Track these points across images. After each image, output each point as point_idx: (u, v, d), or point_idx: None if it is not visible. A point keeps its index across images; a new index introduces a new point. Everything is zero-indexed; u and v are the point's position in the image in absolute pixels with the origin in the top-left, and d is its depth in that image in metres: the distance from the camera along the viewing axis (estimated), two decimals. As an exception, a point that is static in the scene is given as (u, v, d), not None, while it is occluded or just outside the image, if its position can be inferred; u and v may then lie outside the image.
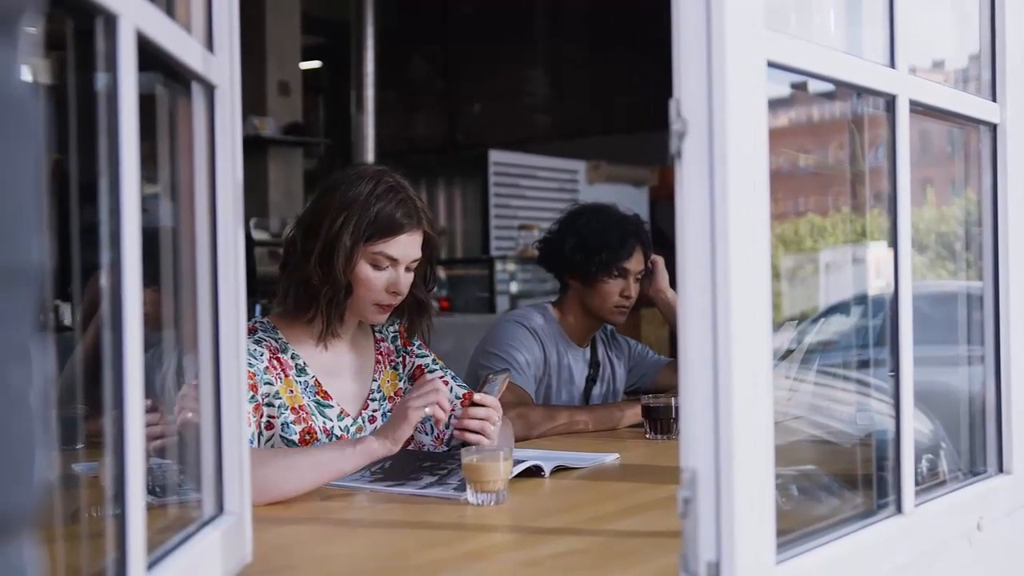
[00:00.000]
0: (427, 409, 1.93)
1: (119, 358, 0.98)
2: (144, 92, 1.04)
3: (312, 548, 1.61)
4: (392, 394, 2.32)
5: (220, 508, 1.34)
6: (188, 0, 1.31)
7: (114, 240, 0.99)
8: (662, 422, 2.60)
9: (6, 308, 0.51)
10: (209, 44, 1.33)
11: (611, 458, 2.31)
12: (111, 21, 0.98)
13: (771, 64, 1.23)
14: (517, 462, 2.00)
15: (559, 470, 2.13)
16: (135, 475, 0.99)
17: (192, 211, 1.33)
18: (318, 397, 2.18)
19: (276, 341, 2.18)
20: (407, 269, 2.19)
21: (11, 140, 0.50)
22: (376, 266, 2.15)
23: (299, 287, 2.16)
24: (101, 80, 1.00)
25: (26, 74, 0.52)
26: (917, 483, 1.51)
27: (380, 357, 2.33)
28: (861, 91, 1.52)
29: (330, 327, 2.19)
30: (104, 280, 0.99)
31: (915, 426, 1.53)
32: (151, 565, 1.06)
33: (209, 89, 1.32)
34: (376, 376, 2.31)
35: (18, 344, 0.52)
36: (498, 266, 7.23)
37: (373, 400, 2.29)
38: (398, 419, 1.96)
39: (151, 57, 1.10)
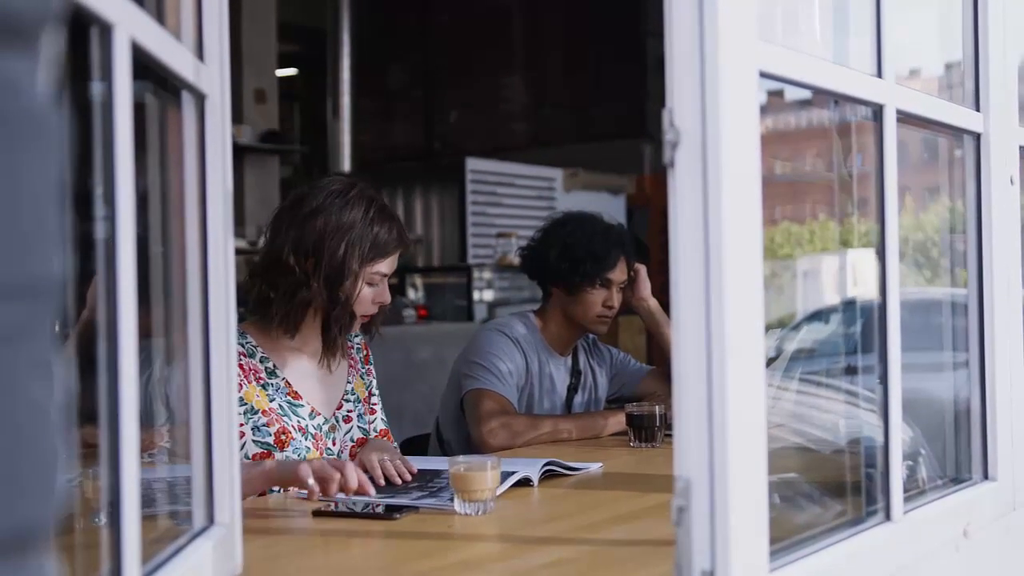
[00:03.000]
0: (311, 481, 1.87)
1: (114, 369, 0.97)
2: (134, 101, 1.04)
3: (301, 560, 1.60)
4: (363, 399, 2.41)
5: (211, 519, 1.33)
6: (178, 9, 1.30)
7: (109, 248, 0.98)
8: (646, 430, 2.60)
9: (27, 322, 0.50)
10: (199, 53, 1.32)
11: (595, 467, 2.31)
12: (106, 30, 0.97)
13: (763, 74, 1.23)
14: (506, 474, 2.00)
15: (548, 476, 2.13)
16: (130, 487, 0.98)
17: (182, 220, 1.32)
18: (289, 397, 2.24)
19: (243, 346, 2.22)
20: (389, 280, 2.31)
21: (33, 153, 0.50)
22: (371, 284, 2.25)
23: (299, 309, 2.21)
24: (95, 88, 0.99)
25: (46, 86, 0.52)
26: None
27: (352, 361, 2.42)
28: (849, 101, 1.53)
29: (339, 347, 2.29)
30: (99, 289, 0.98)
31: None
32: (145, 578, 1.05)
33: (200, 98, 1.31)
34: (350, 379, 2.39)
35: (40, 358, 0.52)
36: (476, 274, 7.21)
37: (348, 400, 2.37)
38: (293, 468, 1.95)
39: (142, 66, 1.09)
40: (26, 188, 0.50)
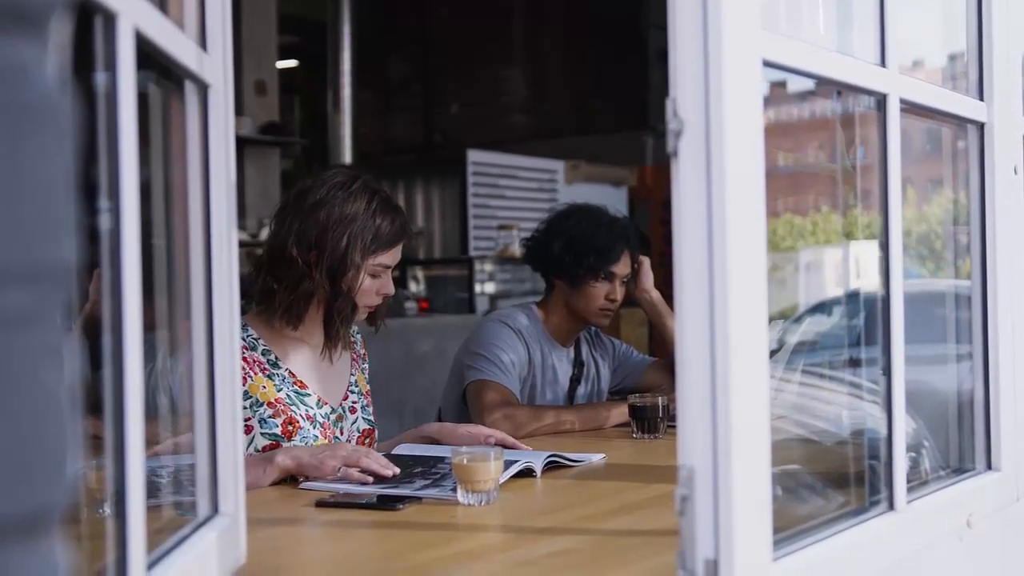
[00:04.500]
0: (341, 471, 2.00)
1: (119, 360, 0.97)
2: (137, 91, 1.03)
3: (305, 549, 1.60)
4: (365, 391, 2.43)
5: (215, 509, 1.33)
6: (181, -2, 1.30)
7: (113, 240, 0.98)
8: (649, 421, 2.61)
9: (38, 307, 0.50)
10: (203, 42, 1.32)
11: (598, 458, 2.31)
12: (110, 19, 0.97)
13: (766, 63, 1.23)
14: (509, 463, 2.00)
15: (551, 468, 2.13)
16: (135, 477, 0.98)
17: (185, 211, 1.32)
18: (295, 387, 2.25)
19: (244, 339, 2.22)
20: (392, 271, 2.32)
21: (43, 139, 0.50)
22: (374, 275, 2.26)
23: (302, 300, 2.22)
24: (99, 78, 0.99)
25: (55, 73, 0.52)
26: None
27: (354, 355, 2.43)
28: (853, 90, 1.52)
29: (341, 337, 2.30)
30: (104, 281, 0.98)
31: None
32: (150, 566, 1.05)
33: (203, 88, 1.31)
34: (353, 372, 2.40)
35: (50, 344, 0.52)
36: (477, 266, 7.20)
37: (352, 392, 2.38)
38: (315, 454, 2.02)
39: (145, 55, 1.09)
40: (37, 174, 0.50)
